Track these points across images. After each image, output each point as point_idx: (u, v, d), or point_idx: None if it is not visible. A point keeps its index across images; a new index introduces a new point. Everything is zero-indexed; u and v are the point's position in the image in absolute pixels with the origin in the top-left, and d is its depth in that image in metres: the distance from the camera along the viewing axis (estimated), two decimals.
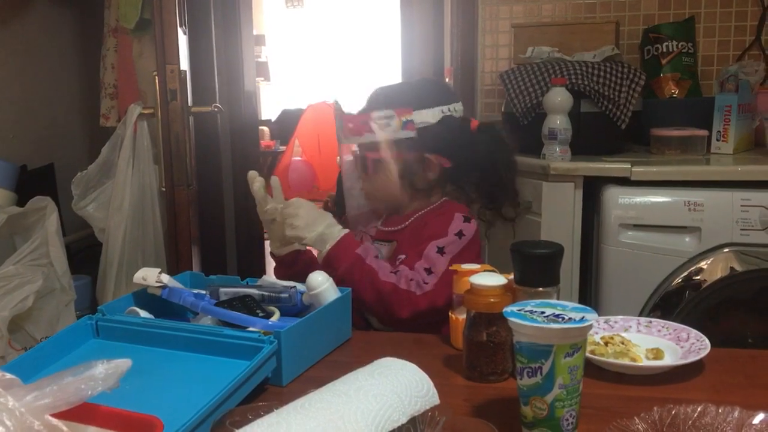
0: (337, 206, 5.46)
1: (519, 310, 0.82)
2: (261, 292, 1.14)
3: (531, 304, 0.84)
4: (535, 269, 0.97)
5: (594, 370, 0.97)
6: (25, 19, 2.73)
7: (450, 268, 1.14)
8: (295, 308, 1.13)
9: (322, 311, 1.08)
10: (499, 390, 0.95)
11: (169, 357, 0.99)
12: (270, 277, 1.23)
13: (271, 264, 4.31)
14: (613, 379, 0.97)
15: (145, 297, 1.15)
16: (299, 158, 7.20)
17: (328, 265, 1.29)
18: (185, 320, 1.15)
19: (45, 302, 2.14)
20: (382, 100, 1.46)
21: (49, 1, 2.85)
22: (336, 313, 1.12)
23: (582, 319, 0.79)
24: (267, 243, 3.75)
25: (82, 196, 2.48)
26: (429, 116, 1.43)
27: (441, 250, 1.35)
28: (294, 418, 0.68)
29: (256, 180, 1.40)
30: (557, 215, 1.85)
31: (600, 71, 1.96)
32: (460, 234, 1.37)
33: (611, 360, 0.99)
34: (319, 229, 1.32)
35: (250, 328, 1.02)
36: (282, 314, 1.10)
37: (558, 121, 1.87)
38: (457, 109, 1.46)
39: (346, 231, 1.34)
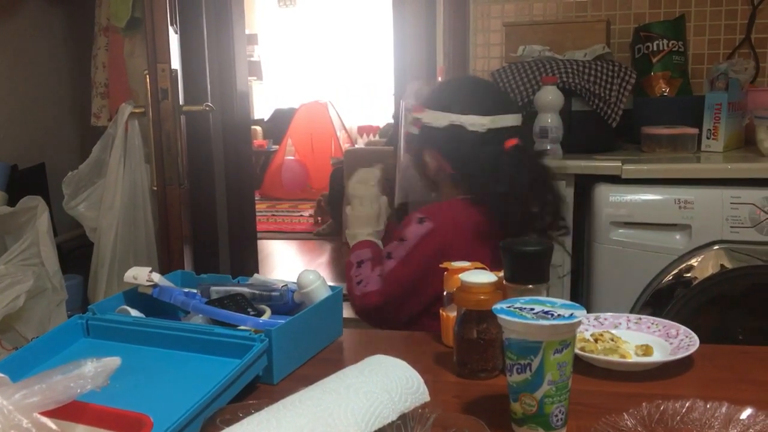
0: (330, 205, 5.46)
1: (508, 307, 0.82)
2: (252, 291, 1.14)
3: (520, 301, 0.84)
4: (525, 266, 0.98)
5: (584, 366, 0.98)
6: (16, 17, 2.72)
7: (440, 266, 1.14)
8: (286, 306, 1.13)
9: (313, 309, 1.08)
10: (490, 387, 0.95)
11: (160, 356, 0.99)
12: (261, 275, 1.23)
13: (263, 263, 4.28)
14: (602, 375, 0.98)
15: (135, 296, 1.14)
16: (292, 158, 7.19)
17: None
18: (176, 319, 1.15)
19: (36, 302, 2.13)
20: (436, 90, 1.59)
21: (39, 0, 2.84)
22: (327, 312, 1.12)
23: (571, 316, 0.79)
24: (259, 242, 3.76)
25: (73, 196, 2.47)
26: (435, 119, 1.47)
27: (389, 255, 1.41)
28: (284, 416, 0.68)
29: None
30: None
31: (591, 70, 1.97)
32: (401, 239, 1.42)
33: (601, 356, 1.00)
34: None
35: (241, 327, 1.02)
36: (273, 313, 1.10)
37: (549, 120, 1.88)
38: (474, 123, 1.44)
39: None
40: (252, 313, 1.07)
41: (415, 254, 1.38)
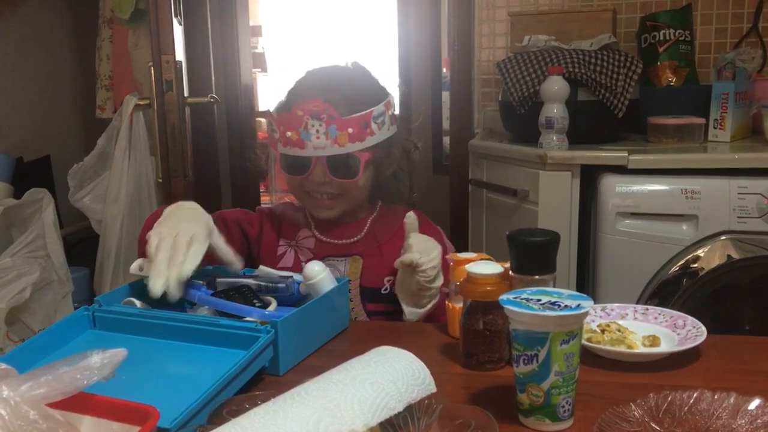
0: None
1: (515, 298, 0.82)
2: (258, 282, 1.14)
3: (527, 292, 0.84)
4: (532, 257, 0.97)
5: (590, 357, 0.98)
6: (20, 10, 2.72)
7: (447, 257, 1.14)
8: (292, 298, 1.13)
9: (319, 301, 1.08)
10: (496, 378, 0.95)
11: (166, 347, 0.99)
12: (267, 267, 1.23)
13: None
14: (609, 366, 0.97)
15: (141, 288, 1.14)
16: None
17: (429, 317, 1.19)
18: (182, 311, 1.15)
19: (42, 294, 2.14)
20: (345, 85, 1.28)
21: None
22: (333, 303, 1.12)
23: (578, 307, 0.79)
24: None
25: (78, 188, 2.48)
26: (394, 103, 1.31)
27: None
28: (290, 407, 0.68)
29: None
30: (554, 204, 1.85)
31: (597, 59, 1.95)
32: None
33: (608, 347, 0.99)
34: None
35: (247, 318, 1.02)
36: (279, 304, 1.10)
37: (555, 110, 1.87)
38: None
39: None
40: (258, 304, 1.07)
41: None
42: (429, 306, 1.17)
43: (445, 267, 1.27)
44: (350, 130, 1.21)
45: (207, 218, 1.15)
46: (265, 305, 1.08)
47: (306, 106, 1.21)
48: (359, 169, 1.24)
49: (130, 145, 2.44)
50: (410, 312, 1.18)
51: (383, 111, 1.26)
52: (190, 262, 1.04)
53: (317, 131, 1.20)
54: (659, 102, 2.14)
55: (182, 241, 1.05)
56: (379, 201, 1.38)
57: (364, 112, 1.23)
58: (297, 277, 1.15)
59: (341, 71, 1.35)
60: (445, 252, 1.30)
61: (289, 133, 1.22)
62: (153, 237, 1.06)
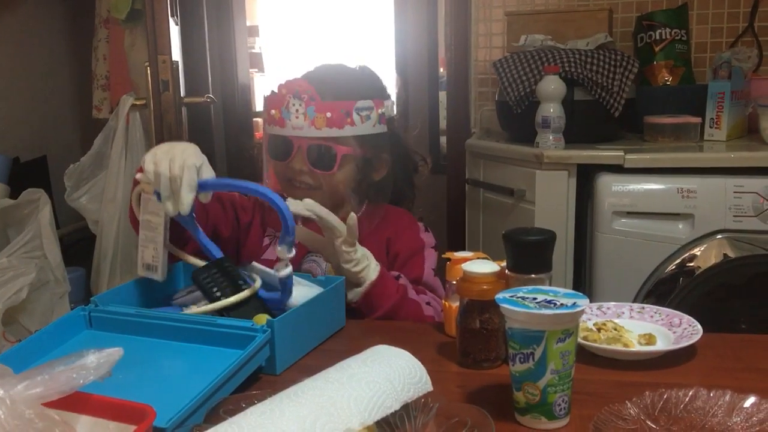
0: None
1: (511, 297, 0.82)
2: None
3: (523, 291, 0.84)
4: (528, 256, 0.97)
5: (587, 355, 0.98)
6: (16, 10, 2.72)
7: (443, 256, 1.14)
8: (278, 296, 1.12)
9: (315, 300, 1.08)
10: (492, 376, 0.95)
11: (163, 347, 0.99)
12: (258, 264, 1.21)
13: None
14: (605, 364, 0.98)
15: (138, 288, 1.14)
16: None
17: (368, 302, 1.20)
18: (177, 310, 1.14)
19: (39, 294, 2.14)
20: (338, 77, 1.32)
21: None
22: (329, 302, 1.12)
23: (573, 305, 0.79)
24: None
25: (75, 188, 2.48)
26: (392, 108, 1.32)
27: (435, 272, 1.34)
28: (287, 406, 0.68)
29: None
30: (551, 203, 1.86)
31: (593, 59, 1.96)
32: (435, 246, 1.36)
33: (604, 346, 0.99)
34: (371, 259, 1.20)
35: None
36: (268, 301, 1.09)
37: (551, 110, 1.87)
38: (391, 109, 1.34)
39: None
40: (241, 283, 1.06)
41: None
42: (366, 285, 1.18)
43: (420, 261, 1.33)
44: (328, 114, 1.22)
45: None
46: (246, 283, 1.07)
47: (290, 85, 1.24)
48: (335, 163, 1.25)
49: (126, 146, 2.44)
50: (350, 291, 1.19)
51: (370, 106, 1.26)
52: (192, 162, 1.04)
53: (297, 111, 1.22)
54: (655, 101, 2.15)
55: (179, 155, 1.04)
56: (366, 202, 1.38)
57: (346, 101, 1.24)
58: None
59: (342, 68, 1.38)
60: (422, 247, 1.35)
61: (272, 111, 1.25)
62: (147, 162, 1.05)
